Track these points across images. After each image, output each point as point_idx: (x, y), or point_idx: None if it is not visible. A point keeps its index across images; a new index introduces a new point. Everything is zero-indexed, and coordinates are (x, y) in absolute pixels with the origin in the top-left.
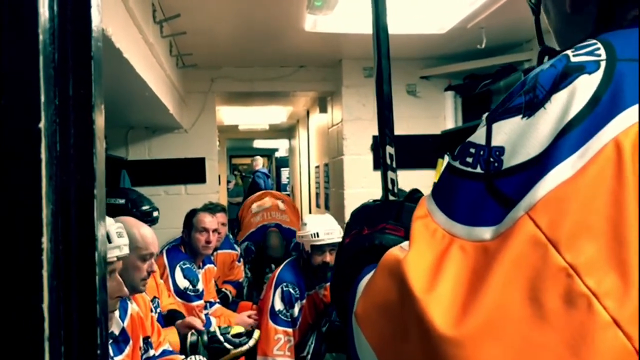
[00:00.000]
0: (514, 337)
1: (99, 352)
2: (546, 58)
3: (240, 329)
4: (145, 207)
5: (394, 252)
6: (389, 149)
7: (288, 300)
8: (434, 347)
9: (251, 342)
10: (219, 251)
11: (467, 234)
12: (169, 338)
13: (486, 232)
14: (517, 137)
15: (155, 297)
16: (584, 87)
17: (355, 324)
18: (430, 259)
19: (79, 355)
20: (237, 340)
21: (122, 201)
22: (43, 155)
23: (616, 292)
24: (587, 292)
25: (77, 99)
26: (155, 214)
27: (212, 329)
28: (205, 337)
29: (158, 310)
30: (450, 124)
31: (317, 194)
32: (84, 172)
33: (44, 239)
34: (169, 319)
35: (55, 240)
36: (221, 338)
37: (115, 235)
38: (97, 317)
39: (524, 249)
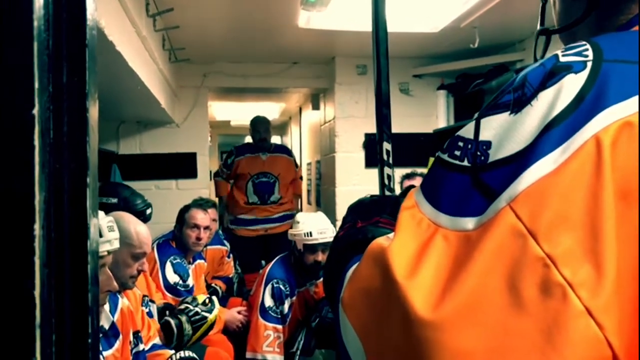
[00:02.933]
0: (491, 323)
1: (90, 340)
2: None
3: (204, 297)
4: (138, 206)
5: (380, 241)
6: (386, 146)
7: (278, 297)
8: (413, 330)
9: (217, 305)
10: (209, 247)
11: (451, 224)
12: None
13: (469, 222)
14: (504, 132)
15: (145, 296)
16: (570, 86)
17: (341, 310)
18: (414, 247)
19: (70, 343)
20: (207, 307)
21: (115, 200)
22: (36, 142)
23: (590, 282)
24: (563, 281)
25: (70, 87)
26: (148, 211)
27: (182, 307)
28: (184, 316)
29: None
30: (442, 123)
31: (309, 191)
32: (77, 160)
33: (36, 226)
34: (164, 311)
35: (48, 228)
36: (198, 309)
37: (107, 229)
38: (89, 305)
39: (504, 238)
